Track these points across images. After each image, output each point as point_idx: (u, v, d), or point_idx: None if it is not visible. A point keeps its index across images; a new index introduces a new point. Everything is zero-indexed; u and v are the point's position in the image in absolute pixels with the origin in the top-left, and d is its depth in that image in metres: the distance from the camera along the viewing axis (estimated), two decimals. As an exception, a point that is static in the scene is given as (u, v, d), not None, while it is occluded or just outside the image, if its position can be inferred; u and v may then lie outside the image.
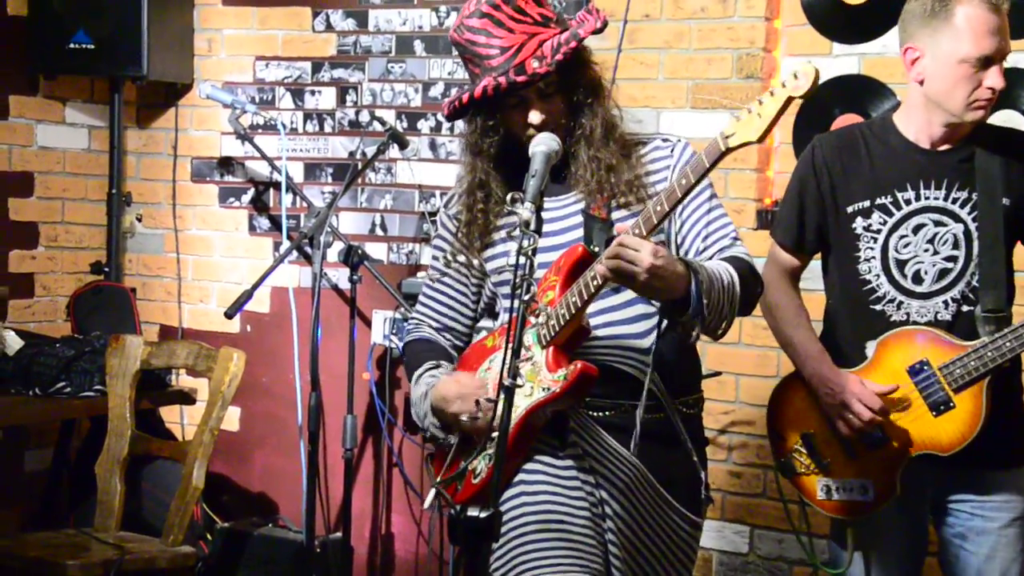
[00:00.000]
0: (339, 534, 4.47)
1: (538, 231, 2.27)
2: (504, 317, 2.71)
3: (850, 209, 2.97)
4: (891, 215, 2.93)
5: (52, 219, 5.05)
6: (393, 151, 4.60)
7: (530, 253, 2.25)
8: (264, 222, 5.07)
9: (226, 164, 5.12)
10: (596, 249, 2.51)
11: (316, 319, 4.06)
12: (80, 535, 4.07)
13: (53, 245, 5.06)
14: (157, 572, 3.92)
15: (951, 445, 2.86)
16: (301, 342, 4.77)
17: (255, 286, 4.26)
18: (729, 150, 2.30)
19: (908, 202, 2.91)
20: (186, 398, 4.81)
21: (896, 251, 2.93)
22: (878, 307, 2.95)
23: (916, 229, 2.91)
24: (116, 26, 4.76)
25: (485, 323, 2.82)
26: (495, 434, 2.52)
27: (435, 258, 2.84)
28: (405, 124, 4.77)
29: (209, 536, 4.66)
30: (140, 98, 5.24)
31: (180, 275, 5.19)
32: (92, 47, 4.78)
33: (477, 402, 2.56)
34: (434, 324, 2.85)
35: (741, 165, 4.12)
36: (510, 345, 2.22)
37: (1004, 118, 3.68)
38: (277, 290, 4.95)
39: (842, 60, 4.06)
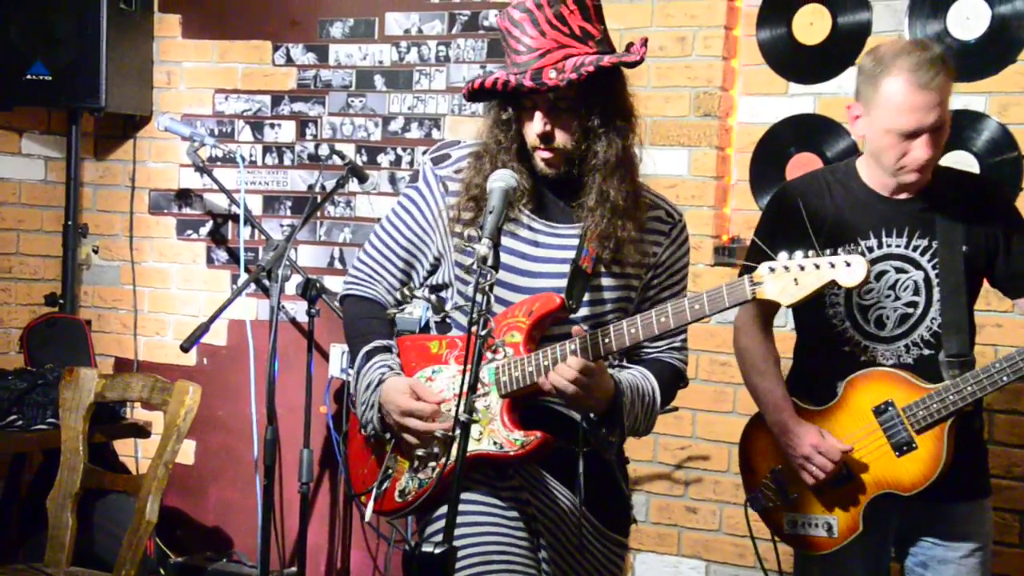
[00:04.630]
0: (294, 569, 4.44)
1: (495, 267, 2.28)
2: (454, 332, 2.67)
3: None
4: None
5: (7, 250, 5.01)
6: (352, 185, 4.61)
7: (487, 289, 2.26)
8: (222, 255, 5.05)
9: (184, 196, 5.10)
10: (573, 305, 2.53)
11: (273, 352, 4.04)
12: (30, 570, 4.00)
13: (7, 276, 5.02)
14: (108, 608, 3.87)
15: (912, 485, 2.90)
16: (258, 375, 4.74)
17: (212, 319, 4.24)
18: (754, 299, 2.37)
19: (871, 249, 2.94)
20: (141, 431, 4.77)
21: (859, 297, 2.97)
22: (846, 348, 2.99)
23: (879, 276, 2.95)
24: (74, 57, 4.75)
25: (422, 292, 2.73)
26: (431, 462, 2.56)
27: (406, 210, 2.72)
28: (365, 158, 4.78)
29: (162, 571, 4.62)
30: (98, 130, 5.21)
31: (136, 307, 5.16)
32: (49, 78, 4.76)
33: (435, 435, 2.55)
34: (380, 288, 2.74)
35: (698, 202, 4.15)
36: (466, 378, 2.23)
37: (955, 159, 3.74)
38: (234, 323, 4.93)
39: (798, 100, 4.11)
